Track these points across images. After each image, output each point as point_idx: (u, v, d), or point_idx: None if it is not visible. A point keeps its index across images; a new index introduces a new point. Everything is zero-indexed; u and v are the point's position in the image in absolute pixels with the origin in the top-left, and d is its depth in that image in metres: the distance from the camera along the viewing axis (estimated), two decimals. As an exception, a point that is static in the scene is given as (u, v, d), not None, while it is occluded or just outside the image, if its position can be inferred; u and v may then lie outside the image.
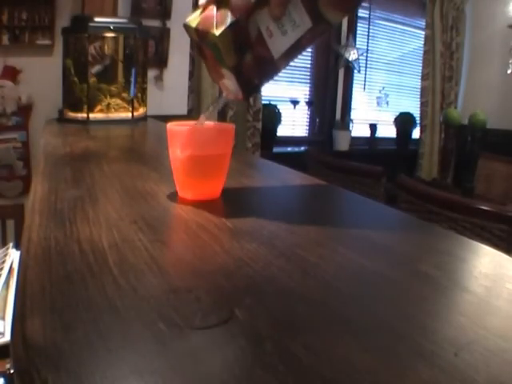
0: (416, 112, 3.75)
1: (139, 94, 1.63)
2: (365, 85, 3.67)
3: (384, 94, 3.75)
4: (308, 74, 3.45)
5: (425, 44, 3.65)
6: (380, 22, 3.66)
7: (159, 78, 2.50)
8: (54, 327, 0.28)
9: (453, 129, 3.09)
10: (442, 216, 1.37)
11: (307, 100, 3.44)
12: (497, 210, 1.30)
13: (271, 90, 3.20)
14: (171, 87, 2.55)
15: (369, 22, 3.59)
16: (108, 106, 1.53)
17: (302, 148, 3.26)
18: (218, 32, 0.50)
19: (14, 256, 1.06)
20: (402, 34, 3.84)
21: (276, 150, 3.16)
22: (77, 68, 1.51)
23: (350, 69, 3.51)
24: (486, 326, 0.32)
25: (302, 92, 3.44)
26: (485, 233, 1.28)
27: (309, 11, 0.51)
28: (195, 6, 2.58)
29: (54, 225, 0.46)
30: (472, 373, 0.26)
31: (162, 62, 2.49)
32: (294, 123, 3.44)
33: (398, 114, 3.75)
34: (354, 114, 3.63)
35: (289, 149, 3.33)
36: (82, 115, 1.49)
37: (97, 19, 1.50)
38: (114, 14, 2.18)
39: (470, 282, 0.39)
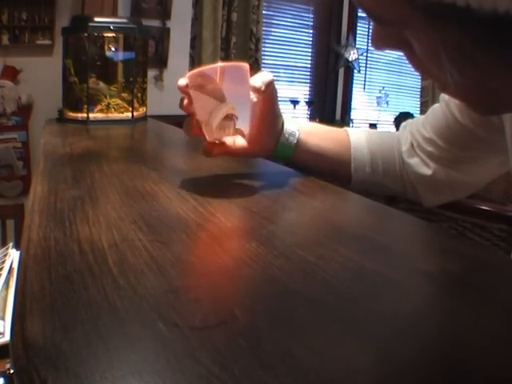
0: (416, 112, 3.75)
1: (139, 94, 1.63)
2: (365, 85, 3.67)
3: (384, 94, 3.75)
4: (308, 74, 3.45)
5: (425, 44, 3.65)
6: (380, 21, 3.66)
7: (159, 78, 2.50)
8: (54, 327, 0.28)
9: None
10: (442, 216, 1.37)
11: (307, 100, 3.44)
12: (497, 210, 1.30)
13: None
14: (171, 87, 2.55)
15: (369, 21, 3.59)
16: (108, 105, 1.53)
17: (302, 148, 3.25)
18: None
19: (13, 256, 1.06)
20: (402, 34, 3.84)
21: (276, 150, 3.16)
22: (77, 68, 1.51)
23: (349, 69, 3.51)
24: (486, 326, 0.32)
25: (302, 92, 3.44)
26: (485, 233, 1.28)
27: None
28: (195, 6, 2.58)
29: (54, 225, 0.46)
30: (472, 373, 0.26)
31: (161, 61, 2.49)
32: (294, 123, 3.43)
33: (397, 113, 3.75)
34: (353, 114, 3.63)
35: (289, 149, 3.32)
36: (81, 115, 1.49)
37: (97, 19, 1.50)
38: (114, 14, 2.18)
39: (470, 282, 0.39)
